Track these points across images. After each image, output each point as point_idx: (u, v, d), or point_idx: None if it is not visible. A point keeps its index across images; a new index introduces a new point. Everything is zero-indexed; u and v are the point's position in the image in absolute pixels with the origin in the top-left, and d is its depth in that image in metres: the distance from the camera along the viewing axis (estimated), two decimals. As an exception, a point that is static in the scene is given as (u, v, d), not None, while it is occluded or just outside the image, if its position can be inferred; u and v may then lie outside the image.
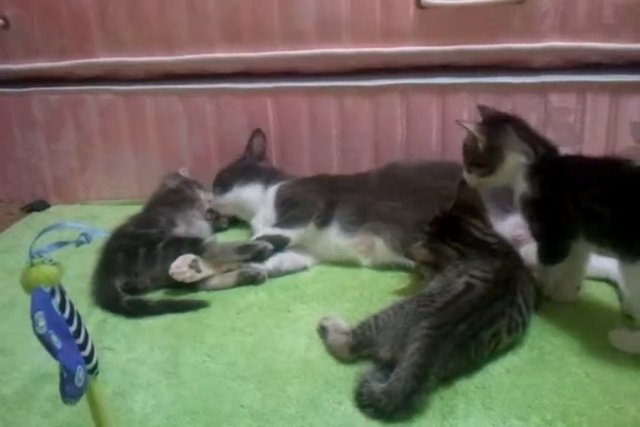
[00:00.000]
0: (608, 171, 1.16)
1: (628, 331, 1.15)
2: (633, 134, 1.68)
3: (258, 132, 1.82)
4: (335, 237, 1.54)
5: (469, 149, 1.30)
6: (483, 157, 1.27)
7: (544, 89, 1.71)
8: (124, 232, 1.53)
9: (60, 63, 1.93)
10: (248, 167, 1.78)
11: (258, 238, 1.51)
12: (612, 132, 1.69)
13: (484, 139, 1.26)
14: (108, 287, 1.39)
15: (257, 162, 1.80)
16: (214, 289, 1.42)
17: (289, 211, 1.57)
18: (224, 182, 1.76)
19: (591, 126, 1.70)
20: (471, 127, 1.27)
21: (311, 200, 1.57)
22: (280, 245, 1.51)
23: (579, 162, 1.24)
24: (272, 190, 1.67)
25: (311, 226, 1.54)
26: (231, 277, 1.44)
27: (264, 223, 1.61)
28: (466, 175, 1.32)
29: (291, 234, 1.52)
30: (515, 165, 1.25)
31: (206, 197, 1.79)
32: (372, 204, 1.54)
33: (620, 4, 1.60)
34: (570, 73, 1.70)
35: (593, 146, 1.69)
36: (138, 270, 1.41)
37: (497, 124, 1.29)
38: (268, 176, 1.75)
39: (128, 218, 1.60)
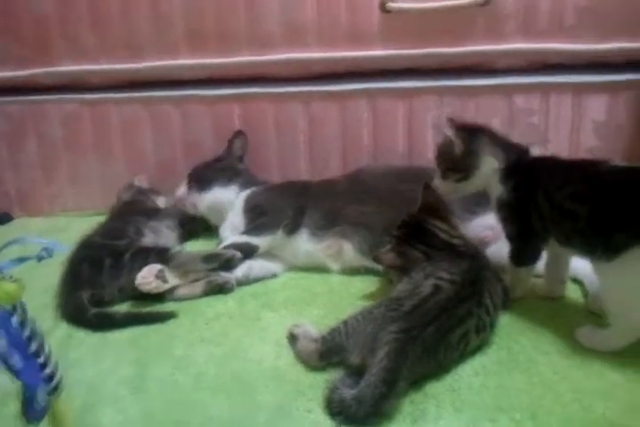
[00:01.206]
0: (585, 170, 1.17)
1: (594, 328, 1.16)
2: (596, 133, 1.70)
3: (240, 133, 1.80)
4: (304, 243, 1.54)
5: (445, 155, 1.31)
6: (459, 162, 1.29)
7: (508, 90, 1.73)
8: (89, 243, 1.51)
9: (21, 72, 1.91)
10: (230, 168, 1.76)
11: (226, 246, 1.49)
12: (576, 131, 1.71)
13: (461, 143, 1.28)
14: (74, 300, 1.36)
15: (237, 164, 1.79)
16: (182, 299, 1.41)
17: (257, 218, 1.56)
18: (203, 180, 1.72)
19: (555, 126, 1.73)
20: (449, 132, 1.29)
21: (280, 208, 1.57)
22: (249, 252, 1.50)
23: (553, 162, 1.26)
24: (242, 197, 1.66)
25: (280, 233, 1.53)
26: (199, 287, 1.42)
27: (232, 230, 1.60)
28: (439, 182, 1.33)
29: (259, 242, 1.51)
30: (489, 169, 1.28)
31: (164, 202, 1.78)
32: (340, 208, 1.54)
33: (581, 6, 1.63)
34: (533, 74, 1.73)
35: (557, 145, 1.71)
36: (104, 282, 1.39)
37: (471, 130, 1.31)
38: (245, 180, 1.73)
39: (93, 228, 1.58)
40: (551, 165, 1.25)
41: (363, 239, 1.48)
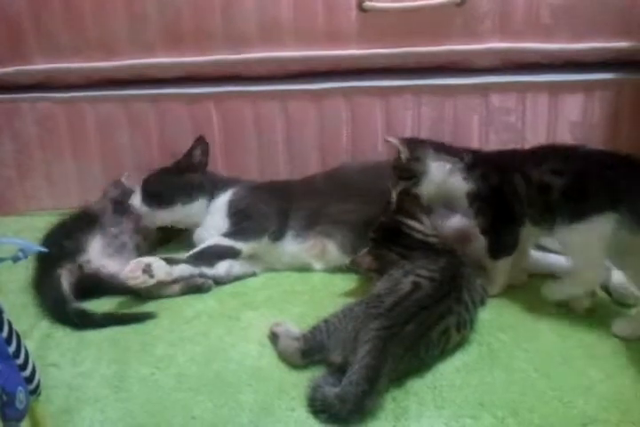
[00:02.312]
0: (565, 150, 1.28)
1: (555, 281, 1.28)
2: (571, 133, 1.72)
3: (201, 141, 1.65)
4: (288, 246, 1.53)
5: (395, 165, 1.38)
6: (407, 170, 1.36)
7: (485, 90, 1.75)
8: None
9: (-6, 71, 1.88)
10: (192, 184, 1.62)
11: (208, 247, 1.47)
12: (552, 130, 1.74)
13: (406, 150, 1.35)
14: (53, 294, 1.34)
15: (200, 175, 1.65)
16: (159, 297, 1.39)
17: (242, 222, 1.53)
18: (162, 197, 1.59)
19: (532, 125, 1.75)
20: (395, 141, 1.37)
21: (266, 213, 1.54)
22: (231, 256, 1.48)
23: (525, 149, 1.37)
24: (222, 200, 1.61)
25: (265, 240, 1.51)
26: (176, 286, 1.41)
27: (212, 233, 1.55)
28: (393, 192, 1.39)
29: (243, 246, 1.49)
30: (442, 172, 1.35)
31: None
32: (322, 207, 1.54)
33: (556, 5, 1.65)
34: (510, 73, 1.75)
35: (534, 143, 1.72)
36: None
37: (416, 141, 1.41)
38: (213, 188, 1.64)
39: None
40: (525, 150, 1.35)
41: (345, 237, 1.49)
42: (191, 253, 1.46)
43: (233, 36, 1.78)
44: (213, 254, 1.47)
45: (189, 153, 1.64)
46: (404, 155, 1.35)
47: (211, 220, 1.60)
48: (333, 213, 1.52)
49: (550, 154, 1.28)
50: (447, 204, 1.44)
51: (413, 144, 1.38)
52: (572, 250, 1.23)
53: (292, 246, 1.53)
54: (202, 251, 1.47)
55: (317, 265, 1.52)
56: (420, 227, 1.30)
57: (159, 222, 1.62)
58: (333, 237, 1.50)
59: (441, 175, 1.35)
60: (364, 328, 1.04)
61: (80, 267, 1.39)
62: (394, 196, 1.38)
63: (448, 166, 1.35)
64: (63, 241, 1.44)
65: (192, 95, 1.85)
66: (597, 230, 1.16)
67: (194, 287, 1.42)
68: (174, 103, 1.87)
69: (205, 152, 1.65)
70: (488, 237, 1.33)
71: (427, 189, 1.36)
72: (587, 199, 1.17)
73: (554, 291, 1.26)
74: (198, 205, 1.61)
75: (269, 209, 1.55)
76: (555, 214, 1.21)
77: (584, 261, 1.21)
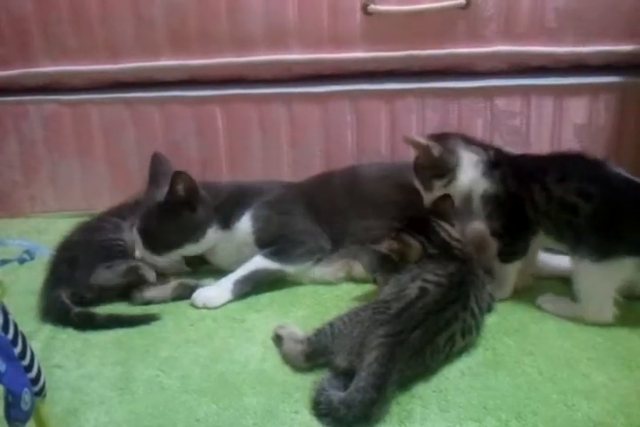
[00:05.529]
0: (593, 168, 1.23)
1: (557, 297, 1.28)
2: (576, 135, 1.72)
3: (179, 176, 1.40)
4: (315, 270, 1.47)
5: (425, 164, 1.35)
6: (441, 164, 1.33)
7: (490, 93, 1.75)
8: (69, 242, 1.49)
9: (1, 73, 1.88)
10: (194, 221, 1.45)
11: (256, 271, 1.41)
12: (557, 134, 1.73)
13: (436, 144, 1.32)
14: (55, 300, 1.34)
15: (200, 209, 1.45)
16: (152, 302, 1.39)
17: (284, 244, 1.45)
18: (167, 243, 1.44)
19: (536, 129, 1.75)
20: (422, 139, 1.33)
21: (313, 235, 1.47)
22: (277, 277, 1.45)
23: (548, 156, 1.31)
24: (243, 230, 1.48)
25: (312, 262, 1.46)
26: (168, 289, 1.41)
27: (237, 260, 1.46)
28: (426, 195, 1.37)
29: (292, 270, 1.44)
30: (470, 164, 1.32)
31: None
32: (344, 226, 1.49)
33: (561, 9, 1.65)
34: (514, 77, 1.75)
35: (538, 148, 1.72)
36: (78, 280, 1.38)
37: (441, 134, 1.38)
38: (222, 218, 1.48)
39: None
40: (543, 158, 1.30)
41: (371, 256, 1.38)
42: (238, 277, 1.40)
43: (238, 39, 1.79)
44: (261, 279, 1.43)
45: (171, 191, 1.41)
46: (436, 149, 1.31)
47: (237, 253, 1.49)
48: (356, 233, 1.47)
49: (575, 168, 1.23)
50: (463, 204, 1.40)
51: (441, 137, 1.35)
52: (588, 286, 1.20)
53: (317, 270, 1.47)
54: (249, 276, 1.41)
55: (339, 282, 1.47)
56: (449, 228, 1.28)
57: (172, 262, 1.48)
58: (360, 258, 1.40)
59: (471, 168, 1.32)
60: (370, 334, 1.04)
61: (80, 296, 1.37)
62: (427, 199, 1.36)
63: (476, 158, 1.31)
64: (73, 266, 1.41)
65: (197, 98, 1.86)
66: (621, 272, 1.16)
67: (187, 289, 1.40)
68: (180, 106, 1.87)
69: (191, 188, 1.42)
70: (499, 240, 1.31)
71: (459, 185, 1.33)
72: (611, 237, 1.15)
73: (555, 307, 1.26)
74: (209, 236, 1.46)
75: (313, 229, 1.49)
76: (579, 238, 1.18)
77: (596, 297, 1.20)
